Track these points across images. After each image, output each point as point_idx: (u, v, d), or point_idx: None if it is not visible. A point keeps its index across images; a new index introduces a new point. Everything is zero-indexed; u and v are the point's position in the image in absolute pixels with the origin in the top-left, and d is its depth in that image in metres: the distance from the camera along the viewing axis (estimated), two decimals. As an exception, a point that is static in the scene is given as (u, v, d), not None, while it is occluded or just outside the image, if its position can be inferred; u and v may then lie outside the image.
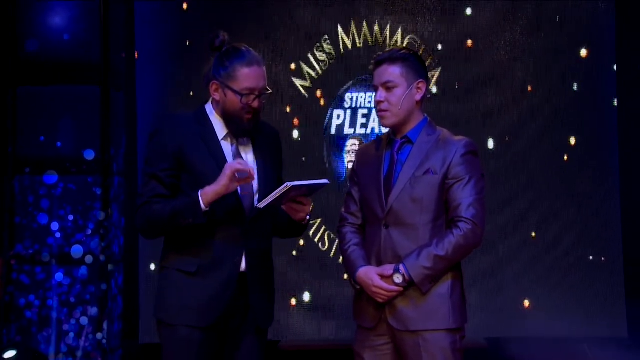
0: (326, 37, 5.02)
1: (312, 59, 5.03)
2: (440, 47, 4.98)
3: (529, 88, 4.96)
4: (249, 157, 2.67)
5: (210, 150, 2.61)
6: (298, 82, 5.03)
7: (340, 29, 5.02)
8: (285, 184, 2.45)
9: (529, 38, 4.95)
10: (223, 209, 2.57)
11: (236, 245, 2.58)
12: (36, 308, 4.51)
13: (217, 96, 2.64)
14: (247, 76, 2.58)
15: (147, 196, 2.59)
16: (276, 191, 2.47)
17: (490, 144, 4.95)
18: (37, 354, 4.26)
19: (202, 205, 2.50)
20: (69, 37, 4.64)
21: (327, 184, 2.56)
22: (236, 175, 2.48)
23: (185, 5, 5.01)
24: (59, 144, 4.63)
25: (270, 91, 2.64)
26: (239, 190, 2.59)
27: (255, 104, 2.59)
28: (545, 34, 4.95)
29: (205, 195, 2.50)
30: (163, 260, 2.68)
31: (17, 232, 4.55)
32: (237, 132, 2.64)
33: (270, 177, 2.68)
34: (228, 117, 2.63)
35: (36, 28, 4.64)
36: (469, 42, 4.97)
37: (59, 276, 4.54)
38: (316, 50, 5.03)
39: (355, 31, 5.02)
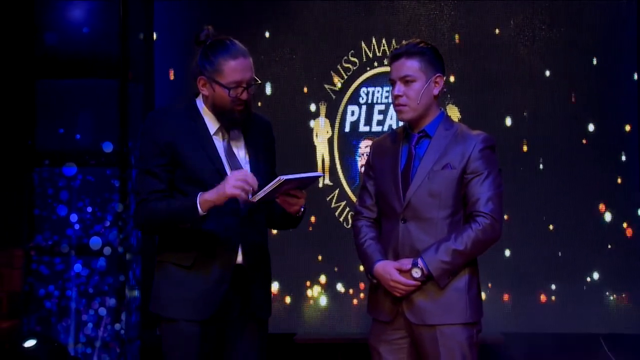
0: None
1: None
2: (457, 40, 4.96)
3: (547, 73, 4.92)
4: (240, 152, 2.66)
5: (203, 146, 2.59)
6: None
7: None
8: (278, 178, 2.43)
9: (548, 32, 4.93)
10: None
11: (232, 239, 2.57)
12: (55, 298, 4.55)
13: (205, 91, 2.61)
14: (234, 69, 2.55)
15: (144, 193, 2.57)
16: (269, 185, 2.45)
17: (508, 121, 4.91)
18: (56, 344, 4.31)
19: (200, 211, 2.49)
20: (88, 31, 4.67)
21: (320, 176, 2.53)
22: (238, 182, 2.45)
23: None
24: (78, 136, 4.66)
25: (260, 82, 2.63)
26: None
27: (244, 95, 2.57)
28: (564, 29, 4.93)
29: (204, 202, 2.48)
30: (159, 255, 2.65)
31: (37, 223, 4.59)
32: (228, 125, 2.62)
33: (262, 171, 2.66)
34: (218, 112, 2.61)
35: (55, 22, 4.68)
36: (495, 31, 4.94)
37: (77, 267, 4.58)
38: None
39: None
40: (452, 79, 4.92)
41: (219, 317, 2.61)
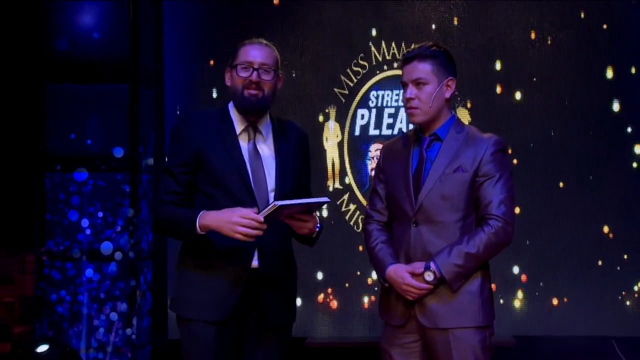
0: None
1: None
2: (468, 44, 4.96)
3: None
4: (266, 156, 2.66)
5: (227, 148, 2.61)
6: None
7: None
8: (273, 203, 2.44)
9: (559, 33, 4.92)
10: (237, 204, 2.56)
11: (248, 243, 2.56)
12: (67, 303, 4.56)
13: (228, 82, 2.68)
14: (245, 51, 2.64)
15: (161, 192, 2.63)
16: (265, 209, 2.47)
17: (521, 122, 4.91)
18: (68, 349, 4.32)
19: (197, 229, 2.51)
20: (98, 36, 4.69)
21: (326, 202, 2.54)
22: (240, 229, 2.45)
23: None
24: (88, 141, 4.67)
25: (273, 66, 2.64)
26: (252, 186, 2.59)
27: (254, 76, 2.60)
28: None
29: (203, 225, 2.51)
30: (180, 256, 2.70)
31: (48, 228, 4.60)
32: (241, 109, 2.63)
33: (290, 177, 2.67)
34: (234, 97, 2.65)
35: (66, 27, 4.69)
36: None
37: (89, 272, 4.59)
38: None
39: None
40: (462, 81, 4.90)
41: (236, 321, 2.61)
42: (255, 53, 2.63)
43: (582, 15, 4.91)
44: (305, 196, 2.71)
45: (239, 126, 2.66)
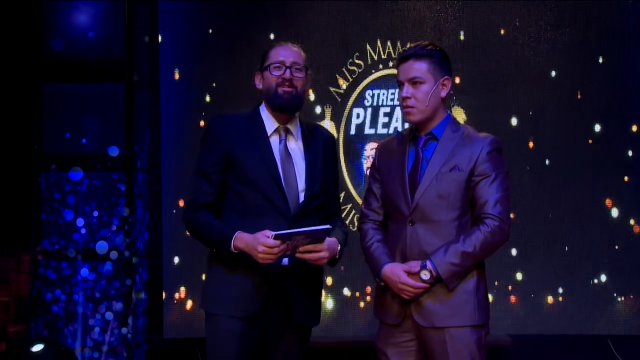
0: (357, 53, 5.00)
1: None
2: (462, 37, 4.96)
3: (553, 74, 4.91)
4: (297, 155, 2.71)
5: (257, 146, 2.68)
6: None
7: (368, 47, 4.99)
8: (269, 233, 2.50)
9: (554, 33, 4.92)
10: (268, 203, 2.62)
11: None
12: (62, 303, 4.56)
13: (260, 85, 2.76)
14: (276, 52, 2.73)
15: (194, 193, 2.71)
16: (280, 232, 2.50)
17: (514, 120, 4.91)
18: (64, 348, 4.31)
19: (232, 248, 2.59)
20: (93, 35, 4.68)
21: (328, 228, 2.57)
22: (262, 256, 2.52)
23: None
24: (84, 140, 4.67)
25: (305, 66, 2.73)
26: (283, 185, 2.64)
27: (287, 74, 2.68)
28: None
29: (238, 245, 2.58)
30: (210, 253, 2.74)
31: (44, 228, 4.60)
32: (277, 106, 2.70)
33: (317, 176, 2.71)
34: (269, 97, 2.71)
35: (61, 26, 4.69)
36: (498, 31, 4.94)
37: (84, 271, 4.58)
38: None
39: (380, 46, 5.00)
40: (457, 80, 4.91)
41: (261, 318, 2.64)
42: (286, 53, 2.73)
43: (579, 14, 4.91)
44: (331, 197, 2.79)
45: (270, 127, 2.73)
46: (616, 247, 4.83)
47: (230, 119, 2.76)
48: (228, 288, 2.65)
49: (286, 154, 2.70)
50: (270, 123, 2.73)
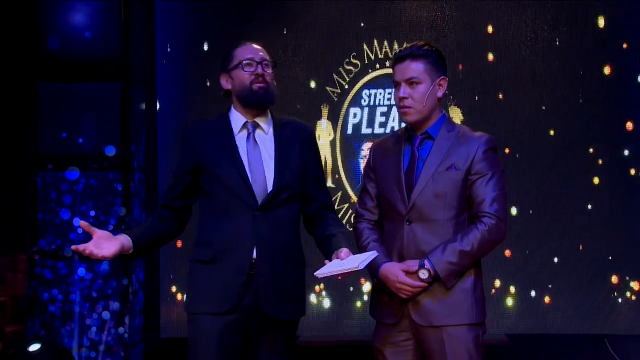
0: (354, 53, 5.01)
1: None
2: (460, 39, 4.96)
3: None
4: (265, 145, 2.72)
5: (224, 144, 2.70)
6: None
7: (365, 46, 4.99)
8: (352, 267, 2.45)
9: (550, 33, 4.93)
10: (236, 198, 2.64)
11: (248, 232, 2.63)
12: (59, 302, 4.56)
13: (228, 85, 2.76)
14: (244, 50, 2.75)
15: (164, 194, 2.80)
16: (337, 269, 2.47)
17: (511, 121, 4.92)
18: (60, 348, 4.31)
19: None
20: (90, 35, 4.68)
21: (376, 255, 2.56)
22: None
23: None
24: (80, 140, 4.67)
25: (274, 61, 2.75)
26: (249, 177, 2.65)
27: (259, 69, 2.71)
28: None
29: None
30: (191, 254, 2.76)
31: (40, 227, 4.60)
32: (254, 103, 2.72)
33: (289, 167, 2.70)
34: (241, 95, 2.72)
35: (58, 26, 4.69)
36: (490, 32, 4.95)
37: (81, 271, 4.58)
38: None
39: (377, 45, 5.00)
40: (454, 80, 4.92)
41: (242, 315, 2.64)
42: (254, 50, 2.75)
43: (578, 13, 4.91)
44: (315, 188, 2.79)
45: (238, 124, 2.75)
46: (615, 245, 4.84)
47: (200, 125, 2.80)
48: (204, 285, 2.66)
49: (253, 145, 2.71)
50: (238, 120, 2.75)
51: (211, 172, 2.68)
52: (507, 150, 4.84)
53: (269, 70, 2.74)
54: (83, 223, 2.53)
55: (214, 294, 2.63)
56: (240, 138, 2.72)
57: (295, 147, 2.75)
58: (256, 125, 2.75)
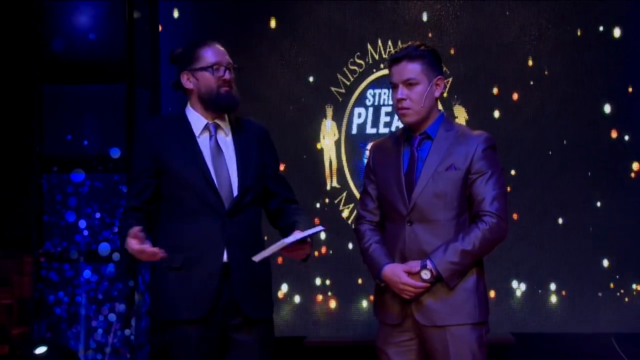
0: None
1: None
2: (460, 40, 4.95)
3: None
4: (227, 148, 2.70)
5: (186, 146, 2.67)
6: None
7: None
8: (282, 241, 2.48)
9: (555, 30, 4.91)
10: (202, 203, 2.62)
11: (217, 236, 2.61)
12: (65, 305, 4.57)
13: (190, 84, 2.72)
14: (212, 53, 2.71)
15: (127, 197, 2.75)
16: (271, 247, 2.49)
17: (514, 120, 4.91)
18: (67, 350, 4.31)
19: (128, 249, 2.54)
20: (94, 37, 4.69)
21: (323, 230, 2.59)
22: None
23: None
24: (85, 142, 4.68)
25: (237, 66, 2.74)
26: (215, 182, 2.63)
27: (227, 75, 2.69)
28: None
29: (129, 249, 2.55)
30: (156, 261, 2.69)
31: (46, 230, 4.61)
32: (219, 108, 2.70)
33: (251, 169, 2.70)
34: (206, 98, 2.70)
35: (62, 27, 4.70)
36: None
37: (87, 273, 4.59)
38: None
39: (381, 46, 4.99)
40: (458, 79, 4.91)
41: (218, 319, 2.62)
42: (220, 53, 2.72)
43: (579, 13, 4.90)
44: (277, 184, 2.79)
45: (199, 125, 2.72)
46: (621, 245, 4.82)
47: (157, 123, 2.79)
48: (177, 292, 2.62)
49: (217, 149, 2.69)
50: (198, 121, 2.72)
51: (175, 177, 2.65)
52: (512, 172, 4.82)
53: (233, 75, 2.72)
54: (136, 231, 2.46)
55: (188, 301, 2.60)
56: (203, 140, 2.70)
57: (254, 147, 2.75)
58: (217, 127, 2.73)
